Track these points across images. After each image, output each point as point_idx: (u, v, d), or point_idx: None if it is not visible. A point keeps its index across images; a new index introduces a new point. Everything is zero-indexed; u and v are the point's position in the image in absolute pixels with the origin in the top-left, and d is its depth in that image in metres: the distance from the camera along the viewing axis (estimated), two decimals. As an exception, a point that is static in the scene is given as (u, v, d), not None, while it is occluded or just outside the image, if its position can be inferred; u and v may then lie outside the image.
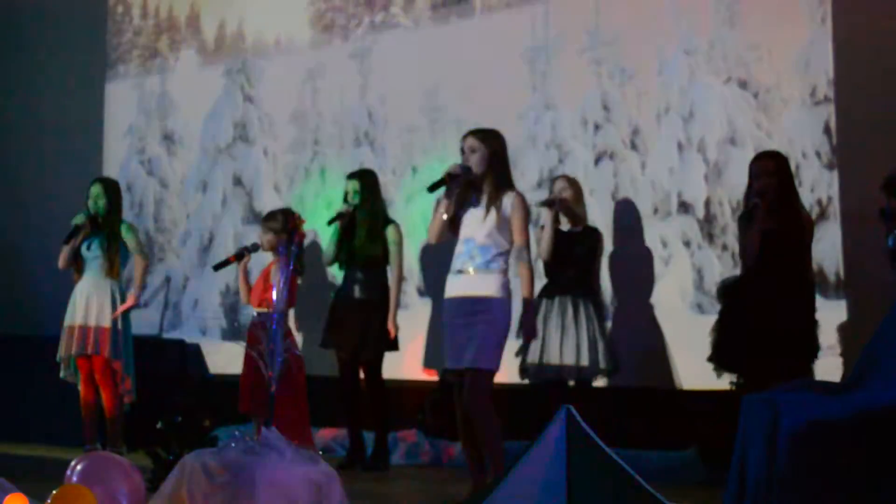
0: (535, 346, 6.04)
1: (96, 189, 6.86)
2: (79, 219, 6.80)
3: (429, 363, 7.35)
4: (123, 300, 6.78)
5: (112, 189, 6.92)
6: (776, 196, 5.48)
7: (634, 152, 6.90)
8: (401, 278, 6.66)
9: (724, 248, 6.45)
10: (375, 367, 6.60)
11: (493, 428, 4.90)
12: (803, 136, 6.29)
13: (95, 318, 6.68)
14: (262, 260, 6.73)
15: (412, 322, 7.28)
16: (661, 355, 6.57)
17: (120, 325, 6.72)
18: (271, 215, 6.53)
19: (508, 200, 5.00)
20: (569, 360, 5.97)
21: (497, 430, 4.90)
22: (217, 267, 6.67)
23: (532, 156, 7.21)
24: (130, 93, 9.22)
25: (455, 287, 5.03)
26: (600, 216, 6.70)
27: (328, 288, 6.93)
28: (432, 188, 4.99)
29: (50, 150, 9.25)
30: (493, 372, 4.98)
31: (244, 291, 6.54)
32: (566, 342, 6.00)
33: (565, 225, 6.24)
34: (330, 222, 6.59)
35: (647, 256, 6.68)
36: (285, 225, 6.33)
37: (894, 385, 3.25)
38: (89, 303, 6.70)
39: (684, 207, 6.68)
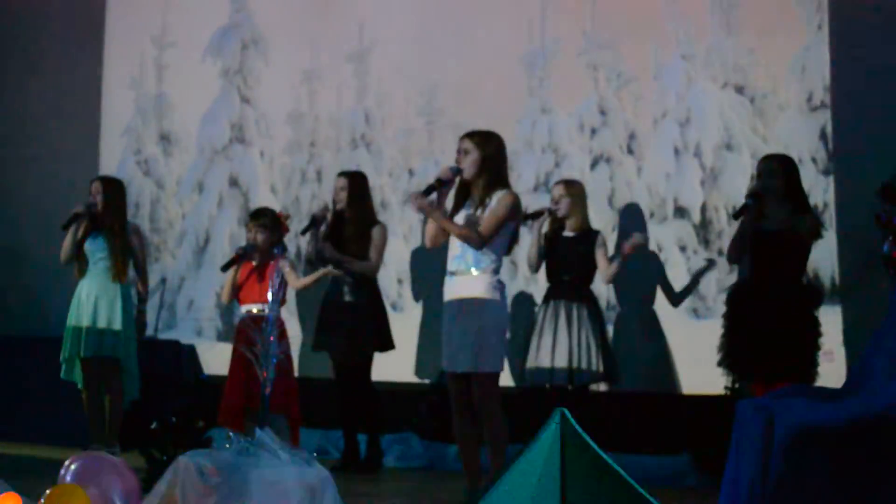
0: (531, 350, 6.05)
1: (95, 185, 6.78)
2: (78, 207, 6.71)
3: (421, 369, 7.34)
4: (132, 302, 6.74)
5: (111, 187, 6.80)
6: (777, 197, 5.45)
7: (631, 157, 6.90)
8: (374, 268, 6.58)
9: (720, 253, 6.44)
10: (364, 369, 6.59)
11: (501, 431, 4.93)
12: (799, 142, 6.31)
13: (106, 320, 6.61)
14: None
15: (407, 325, 7.28)
16: (657, 360, 6.57)
17: (129, 328, 6.66)
18: (260, 213, 6.46)
19: (496, 197, 5.01)
20: (563, 363, 5.97)
21: (505, 434, 4.92)
22: (225, 267, 6.48)
23: (529, 159, 7.20)
24: (127, 92, 9.20)
25: (449, 289, 5.08)
26: (597, 220, 6.70)
27: (321, 288, 6.90)
28: (425, 194, 5.02)
29: (46, 149, 9.23)
30: (497, 374, 5.01)
31: (228, 290, 6.36)
32: (560, 346, 6.00)
33: (568, 231, 6.21)
34: (304, 231, 6.56)
35: (644, 261, 6.68)
36: (275, 223, 6.32)
37: (888, 391, 3.25)
38: (97, 305, 6.60)
39: (680, 213, 6.69)
